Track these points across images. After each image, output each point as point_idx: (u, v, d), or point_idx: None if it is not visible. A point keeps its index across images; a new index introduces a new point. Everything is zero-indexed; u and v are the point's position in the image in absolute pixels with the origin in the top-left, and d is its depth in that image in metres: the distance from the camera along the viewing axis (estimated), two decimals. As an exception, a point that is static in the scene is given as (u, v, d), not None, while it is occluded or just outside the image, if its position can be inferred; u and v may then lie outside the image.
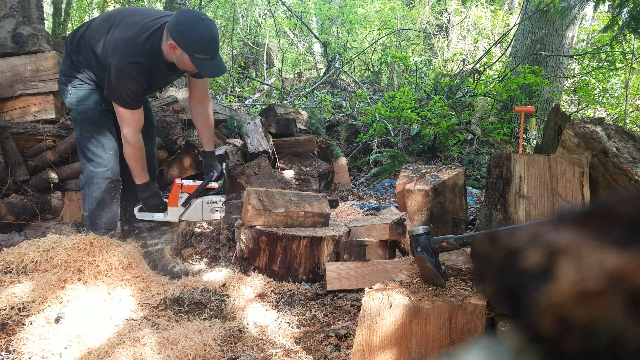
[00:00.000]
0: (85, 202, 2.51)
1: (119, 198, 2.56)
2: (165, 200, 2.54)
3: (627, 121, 6.93)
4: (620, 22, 4.53)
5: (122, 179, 2.55)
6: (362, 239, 2.56)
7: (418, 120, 5.51)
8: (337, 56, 7.80)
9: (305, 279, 2.51)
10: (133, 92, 2.26)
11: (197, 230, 3.02)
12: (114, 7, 9.48)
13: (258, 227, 2.51)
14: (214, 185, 2.59)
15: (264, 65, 8.76)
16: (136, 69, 2.23)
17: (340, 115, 6.64)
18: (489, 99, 6.30)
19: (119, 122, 2.38)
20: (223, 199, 2.59)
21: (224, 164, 2.70)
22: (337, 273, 2.39)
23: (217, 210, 2.56)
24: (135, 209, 2.54)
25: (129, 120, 2.33)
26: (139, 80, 2.25)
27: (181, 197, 2.52)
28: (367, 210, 3.63)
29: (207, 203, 2.54)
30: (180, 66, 2.30)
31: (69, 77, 2.45)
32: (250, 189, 2.59)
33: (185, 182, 2.57)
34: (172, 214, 2.53)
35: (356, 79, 8.03)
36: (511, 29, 7.27)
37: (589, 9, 7.37)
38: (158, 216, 2.52)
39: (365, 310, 1.46)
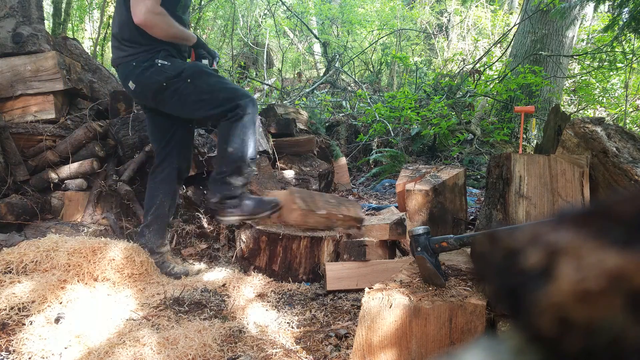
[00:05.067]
0: (247, 138, 2.31)
1: None
2: None
3: (627, 121, 6.93)
4: (621, 22, 4.53)
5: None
6: (362, 239, 2.55)
7: (418, 120, 5.51)
8: (337, 56, 7.80)
9: (305, 279, 2.51)
10: None
11: (197, 230, 3.02)
12: (114, 7, 9.46)
13: (259, 227, 2.51)
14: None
15: (264, 65, 8.76)
16: None
17: (340, 115, 6.63)
18: (489, 99, 6.30)
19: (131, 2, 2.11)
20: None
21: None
22: (337, 273, 2.39)
23: None
24: (206, 62, 2.42)
25: None
26: None
27: None
28: (367, 210, 3.62)
29: None
30: None
31: (143, 57, 2.25)
32: (292, 188, 2.53)
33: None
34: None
35: (356, 79, 8.03)
36: (511, 29, 7.27)
37: (589, 9, 7.37)
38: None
39: (365, 310, 1.46)
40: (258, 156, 3.09)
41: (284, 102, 6.38)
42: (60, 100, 3.28)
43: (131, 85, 2.28)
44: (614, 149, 2.30)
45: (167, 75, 2.22)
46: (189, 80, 2.22)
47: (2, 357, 1.66)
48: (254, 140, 2.36)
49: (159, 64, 2.22)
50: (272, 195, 2.59)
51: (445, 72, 7.73)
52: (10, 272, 2.10)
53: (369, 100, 6.42)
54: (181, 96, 2.26)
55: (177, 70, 2.23)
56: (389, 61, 8.68)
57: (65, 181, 3.10)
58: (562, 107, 5.28)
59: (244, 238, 2.56)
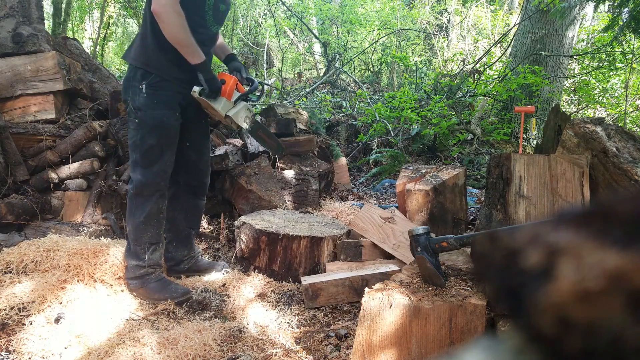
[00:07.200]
0: (131, 214, 2.23)
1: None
2: None
3: (627, 121, 6.93)
4: (621, 22, 4.52)
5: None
6: (359, 239, 2.55)
7: (418, 120, 5.51)
8: (337, 56, 7.80)
9: (305, 279, 2.51)
10: None
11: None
12: (114, 7, 9.48)
13: (258, 227, 2.51)
14: (256, 93, 2.44)
15: (264, 65, 8.75)
16: None
17: (340, 115, 6.63)
18: (489, 99, 6.30)
19: None
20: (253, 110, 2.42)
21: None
22: (337, 273, 2.39)
23: (248, 119, 2.40)
24: (196, 89, 2.22)
25: None
26: None
27: (235, 94, 2.32)
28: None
29: (248, 109, 2.39)
30: None
31: (142, 72, 2.16)
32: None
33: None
34: (223, 105, 2.28)
35: (356, 79, 8.03)
36: (511, 29, 7.27)
37: (589, 9, 7.36)
38: (213, 103, 2.29)
39: (365, 310, 1.46)
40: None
41: (284, 102, 6.37)
42: (60, 100, 3.28)
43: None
44: (614, 149, 2.30)
45: (134, 100, 2.16)
46: (137, 121, 2.16)
47: (2, 357, 1.66)
48: (148, 225, 2.19)
49: (141, 87, 2.14)
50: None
51: (445, 72, 7.73)
52: (10, 272, 2.10)
53: (369, 100, 6.42)
54: (128, 127, 2.23)
55: (143, 105, 2.15)
56: (389, 61, 8.68)
57: (65, 181, 3.10)
58: (562, 107, 5.28)
59: (244, 238, 2.56)
